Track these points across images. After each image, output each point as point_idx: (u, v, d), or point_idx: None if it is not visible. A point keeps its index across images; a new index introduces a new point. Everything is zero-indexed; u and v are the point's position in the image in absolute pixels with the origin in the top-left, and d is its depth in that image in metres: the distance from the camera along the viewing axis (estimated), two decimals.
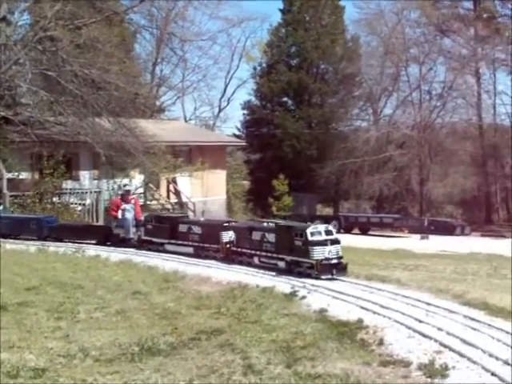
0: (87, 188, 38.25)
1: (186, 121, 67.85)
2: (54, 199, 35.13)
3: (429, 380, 8.83)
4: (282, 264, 17.70)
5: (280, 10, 66.74)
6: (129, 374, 9.25)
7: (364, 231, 49.55)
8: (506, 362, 9.22)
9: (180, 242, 21.72)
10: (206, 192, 47.47)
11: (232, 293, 14.92)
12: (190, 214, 41.36)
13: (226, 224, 20.79)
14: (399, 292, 14.53)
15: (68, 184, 37.28)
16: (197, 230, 21.30)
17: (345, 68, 64.75)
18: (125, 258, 20.84)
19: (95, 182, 39.72)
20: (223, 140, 56.67)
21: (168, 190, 45.40)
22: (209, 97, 75.45)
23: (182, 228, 21.83)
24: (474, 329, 11.07)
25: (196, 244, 21.11)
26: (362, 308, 12.94)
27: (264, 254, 18.49)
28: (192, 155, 47.00)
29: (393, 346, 10.40)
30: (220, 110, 73.62)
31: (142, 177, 41.37)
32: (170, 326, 11.84)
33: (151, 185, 42.51)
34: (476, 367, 9.13)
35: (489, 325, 11.34)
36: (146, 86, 54.90)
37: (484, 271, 23.60)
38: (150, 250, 22.50)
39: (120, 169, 39.48)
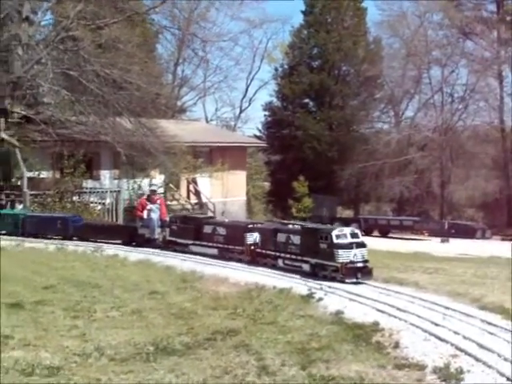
0: (107, 187, 38.34)
1: (207, 121, 67.97)
2: (74, 198, 35.25)
3: (443, 383, 8.79)
4: (306, 267, 17.48)
5: (302, 11, 66.80)
6: (143, 373, 9.26)
7: (384, 234, 49.39)
8: None
9: (204, 244, 21.52)
10: (225, 193, 47.49)
11: (249, 294, 14.92)
12: (210, 214, 41.37)
13: (251, 226, 20.64)
14: (417, 295, 14.44)
15: (88, 183, 37.40)
16: (221, 231, 21.08)
17: (366, 70, 64.64)
18: (143, 258, 20.90)
19: (115, 181, 39.82)
20: (244, 141, 56.68)
21: (188, 191, 45.47)
22: (230, 98, 75.76)
23: (207, 229, 21.63)
24: (491, 333, 11.00)
25: (221, 245, 20.90)
26: (379, 310, 12.89)
27: (288, 256, 18.23)
28: (212, 156, 47.06)
29: (408, 349, 10.35)
30: (241, 111, 73.76)
31: (162, 177, 41.47)
32: (185, 326, 11.85)
33: (171, 185, 42.59)
34: (491, 371, 9.06)
35: (505, 329, 11.27)
36: (168, 87, 55.10)
37: (504, 275, 23.36)
38: (175, 250, 22.36)
39: (140, 169, 39.60)
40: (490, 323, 11.65)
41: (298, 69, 65.23)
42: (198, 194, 45.99)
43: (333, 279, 16.25)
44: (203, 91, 68.46)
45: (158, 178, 40.97)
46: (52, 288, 15.24)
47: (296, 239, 18.07)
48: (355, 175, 59.62)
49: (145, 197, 26.67)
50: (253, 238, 19.77)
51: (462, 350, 10.02)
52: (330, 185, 60.44)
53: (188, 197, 44.84)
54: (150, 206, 24.44)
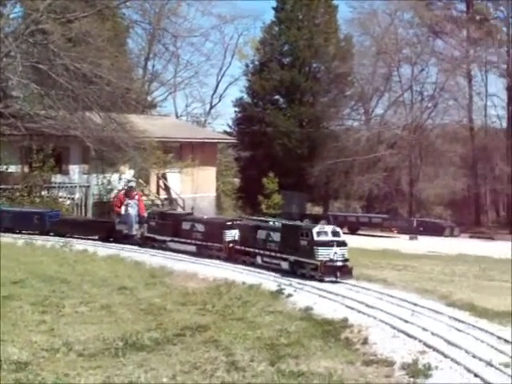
0: (76, 182, 38.12)
1: (177, 117, 67.64)
2: (43, 193, 35.02)
3: (411, 380, 8.84)
4: (285, 264, 17.20)
5: (273, 8, 66.74)
6: (112, 368, 9.23)
7: (353, 231, 49.48)
8: (488, 363, 9.24)
9: (183, 240, 21.33)
10: (195, 189, 47.34)
11: (218, 289, 14.94)
12: (179, 210, 41.23)
13: (230, 222, 20.37)
14: (385, 292, 14.55)
15: (57, 178, 37.14)
16: (200, 228, 20.92)
17: (337, 67, 64.73)
18: (112, 253, 20.84)
19: (85, 176, 39.53)
20: (214, 137, 56.46)
21: (158, 186, 45.29)
22: (200, 93, 75.10)
23: (186, 226, 21.46)
24: (459, 330, 11.09)
25: (199, 242, 20.74)
26: (348, 307, 12.96)
27: (267, 253, 17.97)
28: (182, 151, 46.90)
29: (377, 345, 10.42)
30: (211, 107, 73.37)
31: (131, 172, 41.23)
32: (154, 322, 11.85)
33: (141, 180, 42.36)
34: (459, 368, 9.14)
35: (473, 326, 11.37)
36: (138, 81, 54.78)
37: (472, 273, 23.64)
38: (153, 247, 22.09)
39: (110, 164, 39.33)
40: (458, 320, 11.75)
41: (268, 65, 65.17)
42: (167, 189, 45.84)
43: (311, 278, 15.99)
44: (173, 86, 68.13)
45: (128, 173, 40.78)
46: (20, 283, 15.16)
47: (276, 236, 17.84)
48: (325, 172, 59.64)
49: (122, 192, 26.44)
50: (232, 234, 19.59)
51: (430, 347, 10.11)
52: (299, 181, 60.47)
53: (158, 192, 44.66)
54: (127, 202, 24.11)
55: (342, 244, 16.23)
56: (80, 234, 25.16)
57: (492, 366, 9.15)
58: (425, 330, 11.01)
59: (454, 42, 63.82)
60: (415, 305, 13.06)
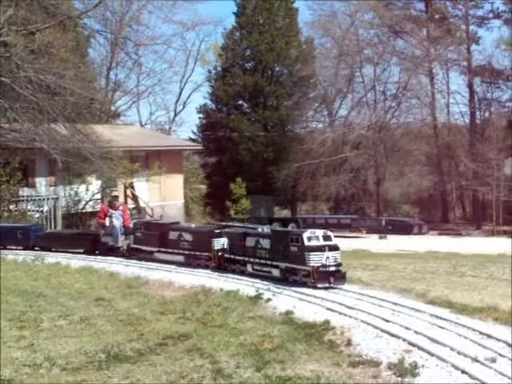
0: (44, 195, 37.77)
1: (141, 125, 67.50)
2: (11, 207, 34.70)
3: (399, 379, 8.86)
4: (276, 272, 16.60)
5: (234, 13, 66.81)
6: (97, 382, 9.17)
7: None
8: (474, 359, 9.29)
9: (170, 251, 20.68)
10: (163, 196, 47.24)
11: (196, 297, 14.90)
12: (148, 218, 41.05)
13: (218, 230, 19.75)
14: (363, 292, 14.58)
15: (24, 191, 36.84)
16: (187, 237, 20.22)
17: (300, 70, 64.87)
18: (85, 265, 20.68)
19: (52, 188, 39.26)
20: (179, 144, 56.41)
21: (125, 196, 45.08)
22: (164, 101, 75.21)
23: (172, 235, 20.78)
24: (441, 327, 11.14)
25: (187, 252, 20.09)
26: (328, 309, 12.96)
27: (258, 261, 17.34)
28: (149, 160, 46.76)
29: (361, 346, 10.43)
30: (176, 114, 73.28)
31: (99, 182, 41.02)
32: (135, 332, 11.78)
33: (108, 190, 42.12)
34: (445, 365, 9.19)
35: (455, 323, 11.43)
36: (102, 91, 54.51)
37: (443, 269, 23.77)
38: (139, 259, 21.42)
39: (77, 175, 39.13)
40: (439, 317, 11.80)
41: (231, 70, 65.20)
42: (135, 198, 45.68)
43: (304, 284, 15.46)
44: (137, 95, 67.94)
45: (95, 184, 40.60)
46: None
47: (265, 243, 17.23)
48: (291, 175, 59.70)
49: (106, 203, 25.79)
50: (220, 243, 19.06)
51: (414, 345, 10.14)
52: (266, 185, 60.54)
53: (125, 202, 44.39)
54: (112, 213, 23.46)
55: (334, 248, 15.70)
56: (65, 248, 24.49)
57: (478, 361, 9.21)
58: (407, 328, 11.05)
59: (415, 41, 64.26)
60: (395, 304, 13.09)
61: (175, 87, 72.75)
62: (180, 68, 71.41)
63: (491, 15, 67.69)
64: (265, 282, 16.20)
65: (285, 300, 14.15)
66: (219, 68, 68.41)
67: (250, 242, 17.83)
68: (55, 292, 15.82)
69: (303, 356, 10.01)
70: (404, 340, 10.44)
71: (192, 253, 19.87)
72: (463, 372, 8.83)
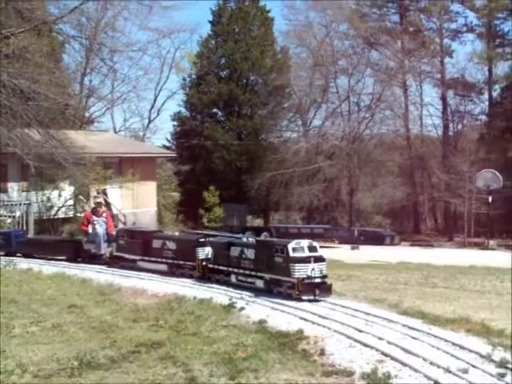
0: (16, 200, 37.48)
1: (115, 132, 67.22)
2: None
3: None
4: (260, 283, 16.22)
5: (209, 21, 66.86)
6: None
7: None
8: (447, 370, 9.34)
9: (153, 259, 20.17)
10: (136, 204, 47.06)
11: (169, 305, 14.85)
12: (121, 226, 40.88)
13: (203, 239, 19.28)
14: (336, 302, 14.59)
15: None
16: (171, 245, 19.80)
17: (274, 79, 65.00)
18: (58, 271, 20.53)
19: (24, 194, 38.98)
20: (153, 151, 56.28)
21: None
22: (138, 108, 74.95)
23: (156, 244, 20.28)
24: (414, 337, 11.20)
25: (170, 261, 19.64)
26: (302, 318, 12.97)
27: (242, 271, 16.93)
28: (122, 167, 46.57)
29: (334, 355, 10.45)
30: (150, 121, 73.05)
31: (71, 189, 40.77)
32: (108, 340, 11.72)
33: (81, 197, 41.90)
34: (418, 375, 9.23)
35: (427, 333, 11.49)
36: (76, 97, 54.26)
37: (415, 280, 23.96)
38: (123, 267, 20.99)
39: (49, 180, 38.84)
40: (412, 328, 11.85)
41: (206, 78, 65.23)
42: (108, 205, 45.39)
43: (289, 296, 15.06)
44: (111, 101, 67.68)
45: (68, 190, 40.35)
46: None
47: (250, 253, 16.81)
48: (265, 184, 59.76)
49: (89, 210, 25.43)
50: (204, 252, 18.61)
51: (387, 355, 10.17)
52: (240, 194, 60.57)
53: None
54: (95, 220, 23.01)
55: (320, 259, 15.34)
56: (47, 255, 24.02)
57: (450, 372, 9.27)
58: (380, 338, 11.09)
59: (389, 53, 64.66)
60: (367, 314, 13.13)
61: (150, 94, 72.64)
62: (155, 75, 71.26)
63: (465, 29, 68.54)
64: (237, 291, 16.20)
65: (258, 309, 14.15)
66: (194, 76, 68.40)
67: (234, 251, 17.44)
68: (27, 298, 15.70)
69: (277, 365, 10.01)
70: (377, 350, 10.48)
71: (175, 262, 19.46)
72: (436, 383, 8.89)
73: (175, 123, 69.44)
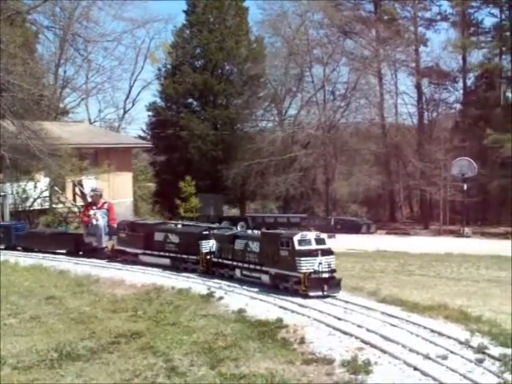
0: None
1: (90, 123, 66.90)
2: None
3: (353, 376, 8.94)
4: (265, 278, 15.42)
5: (184, 11, 66.54)
6: (50, 380, 9.12)
7: None
8: (426, 357, 9.41)
9: (156, 253, 19.49)
10: (112, 194, 46.71)
11: (148, 295, 14.85)
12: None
13: (206, 232, 18.43)
14: None
15: None
16: (174, 238, 19.06)
17: (249, 69, 64.81)
18: (35, 263, 20.45)
19: None
20: (129, 142, 56.16)
21: (74, 193, 44.65)
22: (113, 98, 75.02)
23: (158, 236, 19.61)
24: (393, 325, 11.26)
25: (173, 255, 18.94)
26: (281, 307, 13.00)
27: (247, 266, 16.16)
28: (98, 157, 46.42)
29: (314, 344, 10.49)
30: (125, 112, 73.01)
31: (47, 180, 40.59)
32: (87, 331, 11.71)
33: (57, 188, 41.76)
34: (398, 362, 9.30)
35: (406, 320, 11.56)
36: (50, 88, 53.92)
37: (391, 268, 24.16)
38: (125, 261, 20.33)
39: (25, 172, 38.63)
40: (391, 315, 11.92)
41: (181, 68, 64.95)
42: (84, 196, 45.23)
43: (295, 293, 14.27)
44: (86, 92, 67.47)
45: (43, 181, 40.17)
46: None
47: (255, 246, 16.02)
48: (241, 174, 59.61)
49: (90, 201, 24.59)
50: (208, 245, 17.87)
51: (367, 343, 10.23)
52: (216, 184, 60.48)
53: (74, 199, 44.02)
54: (95, 211, 22.29)
55: (328, 252, 14.47)
56: (48, 248, 23.39)
57: (430, 358, 9.34)
58: (360, 326, 11.14)
59: (364, 42, 64.75)
60: (346, 302, 13.19)
61: (125, 84, 72.51)
62: (130, 65, 71.30)
63: (439, 17, 68.71)
64: (215, 280, 16.21)
65: (237, 298, 14.16)
66: (169, 66, 68.11)
67: (239, 244, 16.68)
68: (5, 290, 15.60)
69: (257, 354, 10.05)
70: (357, 338, 10.53)
71: (179, 256, 18.76)
72: (415, 369, 8.96)
73: (150, 113, 69.19)
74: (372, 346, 10.06)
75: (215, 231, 18.54)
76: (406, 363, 9.18)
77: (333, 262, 14.45)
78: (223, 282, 15.84)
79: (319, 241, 14.67)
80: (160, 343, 10.70)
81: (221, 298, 14.22)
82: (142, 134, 69.89)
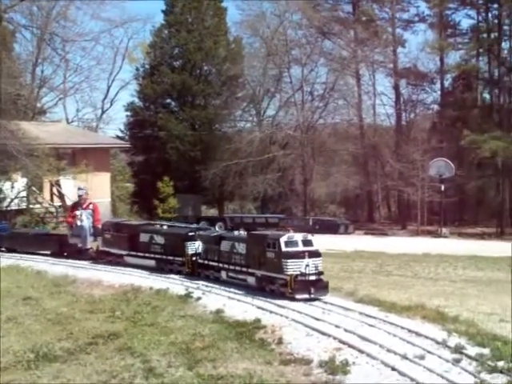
0: None
1: (68, 123, 66.49)
2: None
3: (331, 377, 8.95)
4: (251, 280, 15.10)
5: (162, 11, 66.31)
6: (26, 382, 9.05)
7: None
8: (404, 357, 9.44)
9: (141, 254, 19.27)
10: (90, 195, 46.66)
11: (125, 296, 14.82)
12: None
13: (192, 233, 18.21)
14: None
15: None
16: (159, 239, 18.85)
17: (228, 69, 64.69)
18: (11, 263, 20.34)
19: None
20: (106, 142, 55.85)
21: (51, 194, 44.44)
22: (91, 98, 74.38)
23: (144, 237, 19.35)
24: (371, 325, 11.29)
25: (158, 256, 18.71)
26: (259, 308, 13.00)
27: (232, 268, 15.86)
28: (76, 157, 46.12)
29: (292, 344, 10.51)
30: (103, 112, 72.58)
31: (24, 180, 40.34)
32: (64, 331, 11.67)
33: (34, 188, 41.53)
34: (376, 362, 9.32)
35: (384, 321, 11.58)
36: (27, 87, 53.60)
37: (370, 268, 24.17)
38: (110, 262, 20.16)
39: (2, 172, 38.35)
40: (368, 316, 11.94)
41: (159, 69, 64.70)
42: (61, 196, 45.00)
43: (282, 295, 13.95)
44: (64, 92, 67.01)
45: (21, 181, 39.91)
46: None
47: (241, 248, 15.68)
48: (219, 174, 59.41)
49: (75, 201, 24.18)
50: (194, 247, 17.60)
51: (345, 343, 10.25)
52: (194, 184, 60.28)
53: (52, 200, 43.82)
54: (80, 212, 22.06)
55: (315, 254, 14.27)
56: (32, 249, 23.26)
57: (407, 358, 9.37)
58: (337, 327, 11.17)
59: (342, 43, 64.73)
60: (324, 303, 13.21)
61: (103, 84, 71.88)
62: (108, 65, 70.81)
63: (417, 19, 68.81)
64: (194, 281, 16.18)
65: (215, 298, 14.16)
66: (147, 66, 67.81)
67: (225, 246, 16.37)
68: None
69: (235, 354, 10.05)
70: (334, 338, 10.56)
71: (164, 257, 18.54)
72: (393, 369, 9.00)
73: (128, 114, 68.84)
74: (350, 346, 10.10)
75: (201, 232, 18.29)
76: (383, 363, 9.22)
77: (320, 264, 14.25)
78: (201, 283, 15.81)
79: (306, 242, 14.48)
80: (138, 344, 10.68)
81: (199, 298, 14.22)
82: (120, 134, 69.55)
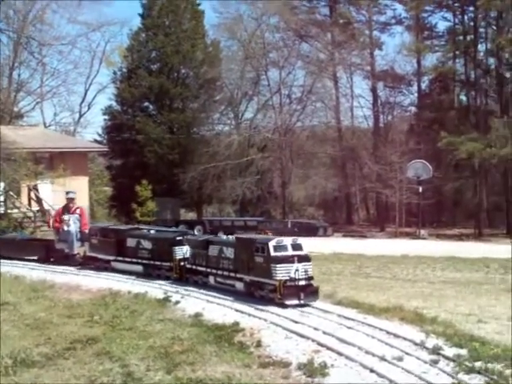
0: None
1: (45, 127, 66.21)
2: None
3: (309, 379, 8.97)
4: (240, 285, 14.87)
5: (140, 14, 66.26)
6: None
7: (229, 235, 49.58)
8: (382, 358, 9.47)
9: (128, 260, 19.09)
10: None
11: (104, 300, 14.78)
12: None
13: (180, 237, 17.96)
14: None
15: None
16: (147, 244, 18.64)
17: (206, 72, 64.68)
18: None
19: None
20: (84, 146, 55.64)
21: (29, 198, 44.23)
22: (69, 102, 73.96)
23: (131, 242, 19.21)
24: (349, 327, 11.32)
25: (146, 262, 18.51)
26: (237, 311, 13.02)
27: (221, 273, 15.62)
28: (53, 162, 45.92)
29: (271, 347, 10.52)
30: (80, 116, 72.44)
31: (1, 184, 40.13)
32: (42, 337, 11.62)
33: (12, 193, 41.33)
34: (354, 364, 9.36)
35: (362, 323, 11.63)
36: (4, 91, 53.41)
37: (348, 270, 24.21)
38: (98, 268, 19.96)
39: None
40: (347, 318, 11.98)
41: (136, 72, 64.59)
42: (39, 201, 44.80)
43: (271, 301, 13.68)
44: (41, 96, 66.81)
45: None
46: None
47: (229, 252, 15.47)
48: (197, 177, 59.40)
49: (62, 206, 23.66)
50: (182, 251, 17.34)
51: (323, 346, 10.27)
52: (172, 188, 60.22)
53: (29, 204, 43.60)
54: (67, 217, 21.84)
55: (305, 259, 14.04)
56: (18, 255, 22.91)
57: (386, 360, 9.41)
58: (316, 329, 11.20)
59: (320, 46, 64.91)
60: (303, 305, 13.22)
61: (80, 88, 71.89)
62: (85, 69, 70.67)
63: (393, 21, 69.12)
64: (173, 285, 16.16)
65: (193, 302, 14.16)
66: (124, 69, 67.68)
67: (213, 250, 16.15)
68: None
69: (213, 358, 10.05)
70: (313, 341, 10.58)
71: (152, 262, 18.32)
72: (371, 371, 9.03)
73: (106, 117, 68.69)
74: (328, 348, 10.12)
75: (189, 237, 18.12)
76: (362, 365, 9.25)
77: (310, 269, 14.08)
78: (180, 287, 15.79)
79: (296, 246, 14.21)
80: (116, 348, 10.65)
81: (177, 302, 14.21)
82: (98, 138, 69.34)
